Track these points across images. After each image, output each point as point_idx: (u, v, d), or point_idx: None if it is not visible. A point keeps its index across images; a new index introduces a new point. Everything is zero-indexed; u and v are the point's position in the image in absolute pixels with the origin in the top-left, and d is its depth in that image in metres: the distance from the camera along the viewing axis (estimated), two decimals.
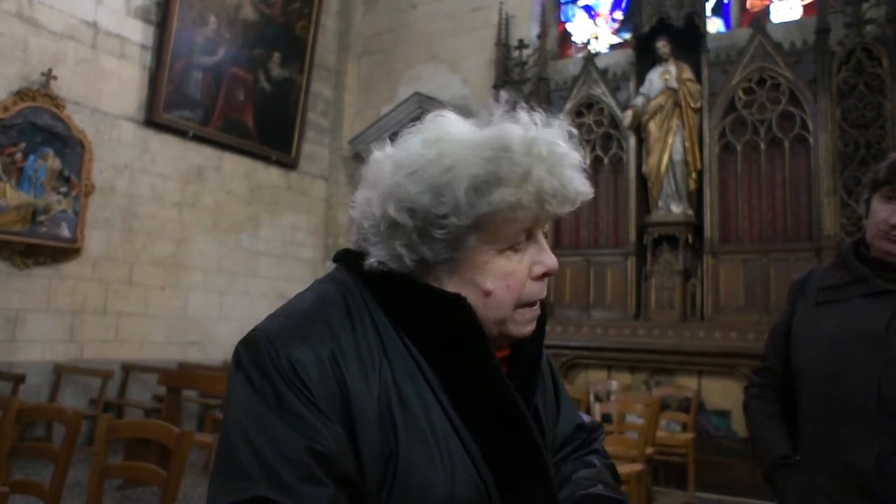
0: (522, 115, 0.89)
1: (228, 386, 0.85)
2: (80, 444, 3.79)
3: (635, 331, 6.63)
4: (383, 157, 0.90)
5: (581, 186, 0.89)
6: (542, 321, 0.97)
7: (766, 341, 1.91)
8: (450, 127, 0.89)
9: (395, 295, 0.88)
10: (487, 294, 0.88)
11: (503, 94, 0.92)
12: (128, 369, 6.50)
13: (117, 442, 4.84)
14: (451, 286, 0.89)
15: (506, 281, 0.89)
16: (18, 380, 5.32)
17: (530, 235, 0.91)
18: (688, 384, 6.31)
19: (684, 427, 5.84)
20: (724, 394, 6.27)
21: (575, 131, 0.92)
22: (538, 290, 0.93)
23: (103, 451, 2.09)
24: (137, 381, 6.56)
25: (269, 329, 0.85)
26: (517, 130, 0.86)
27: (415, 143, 0.88)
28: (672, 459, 5.67)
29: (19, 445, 2.55)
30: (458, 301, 0.87)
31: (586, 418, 1.17)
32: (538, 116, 0.89)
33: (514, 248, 0.89)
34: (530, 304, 0.92)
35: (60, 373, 6.04)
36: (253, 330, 0.86)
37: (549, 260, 0.92)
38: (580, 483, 1.03)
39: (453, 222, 0.84)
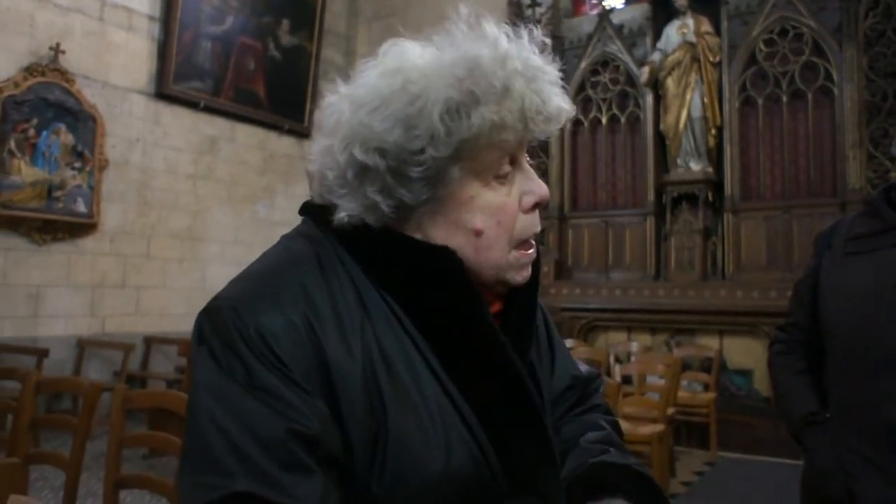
0: (488, 29, 0.79)
1: (192, 364, 0.75)
2: (104, 416, 3.84)
3: (655, 291, 6.56)
4: (338, 98, 0.81)
5: (562, 103, 0.81)
6: (535, 270, 0.88)
7: (791, 296, 1.84)
8: (410, 54, 0.81)
9: (373, 250, 0.79)
10: (478, 234, 0.79)
11: (462, 10, 0.82)
12: (149, 342, 6.57)
13: (141, 413, 4.91)
14: (435, 232, 0.80)
15: (496, 217, 0.80)
16: (42, 354, 5.38)
17: (514, 162, 0.82)
18: (709, 344, 6.25)
19: (706, 387, 5.81)
20: (745, 353, 6.21)
21: (548, 41, 0.83)
22: (531, 223, 0.84)
23: (120, 421, 2.10)
24: (159, 353, 6.63)
25: (231, 295, 0.75)
26: (486, 47, 0.77)
27: (372, 77, 0.80)
28: (694, 419, 5.65)
29: (41, 417, 2.57)
30: (446, 253, 0.78)
31: (583, 368, 1.09)
32: (507, 29, 0.81)
33: (500, 178, 0.81)
34: (525, 243, 0.84)
35: (83, 347, 6.11)
36: (214, 298, 0.76)
37: (540, 188, 0.84)
38: (589, 449, 0.95)
39: (431, 155, 0.75)
